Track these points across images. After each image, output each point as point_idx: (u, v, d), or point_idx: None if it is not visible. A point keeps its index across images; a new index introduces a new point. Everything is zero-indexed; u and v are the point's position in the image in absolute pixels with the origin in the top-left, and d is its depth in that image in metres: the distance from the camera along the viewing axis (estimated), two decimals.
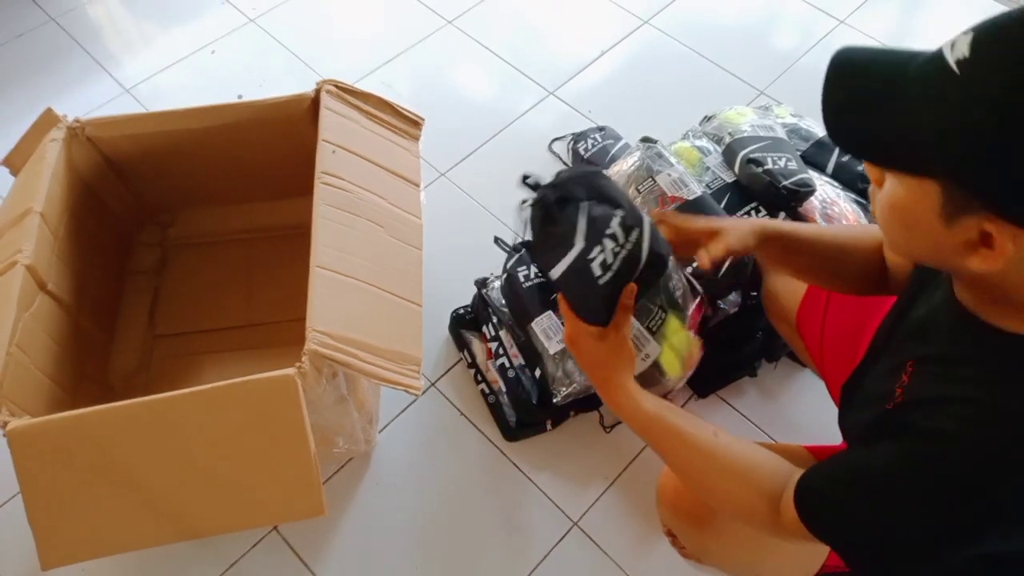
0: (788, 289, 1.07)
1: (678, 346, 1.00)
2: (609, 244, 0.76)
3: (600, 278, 0.76)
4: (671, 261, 0.86)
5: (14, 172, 1.20)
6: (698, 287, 1.05)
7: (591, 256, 0.75)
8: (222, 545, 1.21)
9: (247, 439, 0.88)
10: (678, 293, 0.98)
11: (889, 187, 0.62)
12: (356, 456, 1.29)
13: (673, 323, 1.00)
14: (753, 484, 0.75)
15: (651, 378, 1.12)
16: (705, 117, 1.44)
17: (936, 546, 0.65)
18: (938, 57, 0.55)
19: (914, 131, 0.56)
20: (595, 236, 0.75)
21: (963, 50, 0.53)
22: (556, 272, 0.77)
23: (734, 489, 0.76)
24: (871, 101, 0.60)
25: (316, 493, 0.89)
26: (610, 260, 0.76)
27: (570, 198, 0.78)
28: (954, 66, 0.54)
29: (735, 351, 1.31)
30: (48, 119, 1.18)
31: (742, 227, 0.87)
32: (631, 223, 0.78)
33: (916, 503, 0.63)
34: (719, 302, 1.20)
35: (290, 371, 0.88)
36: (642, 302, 0.83)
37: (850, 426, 0.79)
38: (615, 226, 0.76)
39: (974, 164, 0.54)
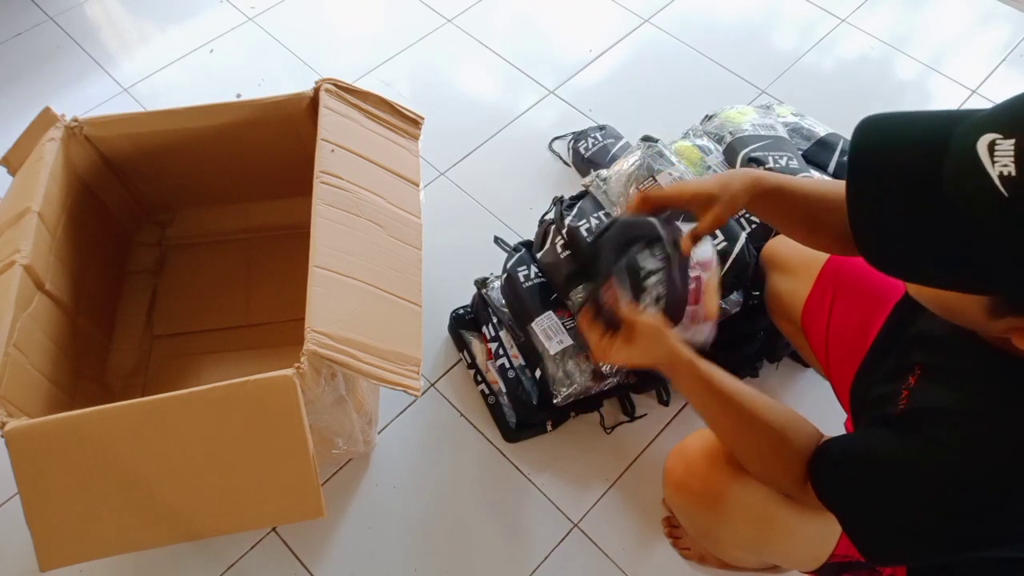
0: (792, 288, 1.07)
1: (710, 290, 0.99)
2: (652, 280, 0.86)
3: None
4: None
5: (12, 171, 1.19)
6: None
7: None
8: (220, 546, 1.21)
9: (245, 440, 0.88)
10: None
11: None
12: (355, 457, 1.29)
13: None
14: (789, 445, 0.77)
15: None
16: (706, 116, 1.44)
17: (924, 540, 0.66)
18: (975, 166, 0.50)
19: (960, 255, 0.52)
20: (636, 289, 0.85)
21: (1009, 165, 0.48)
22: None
23: (771, 448, 0.78)
24: (909, 223, 0.54)
25: (315, 494, 0.89)
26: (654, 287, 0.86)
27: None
28: (999, 185, 0.48)
29: (737, 351, 1.31)
30: (46, 118, 1.17)
31: (733, 186, 0.86)
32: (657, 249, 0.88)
33: (913, 501, 0.65)
34: (720, 302, 1.20)
35: (289, 372, 0.87)
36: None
37: (856, 426, 0.79)
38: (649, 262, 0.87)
39: (1019, 282, 0.52)
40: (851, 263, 1.02)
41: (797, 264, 1.07)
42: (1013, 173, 0.47)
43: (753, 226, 1.23)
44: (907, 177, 0.54)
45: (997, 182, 0.48)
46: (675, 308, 0.86)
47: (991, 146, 0.49)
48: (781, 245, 1.12)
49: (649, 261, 0.86)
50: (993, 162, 0.48)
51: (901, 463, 0.66)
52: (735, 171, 0.88)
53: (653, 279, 0.86)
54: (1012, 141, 0.48)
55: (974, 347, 0.65)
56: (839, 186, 0.87)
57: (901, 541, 0.68)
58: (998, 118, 0.50)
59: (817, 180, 0.93)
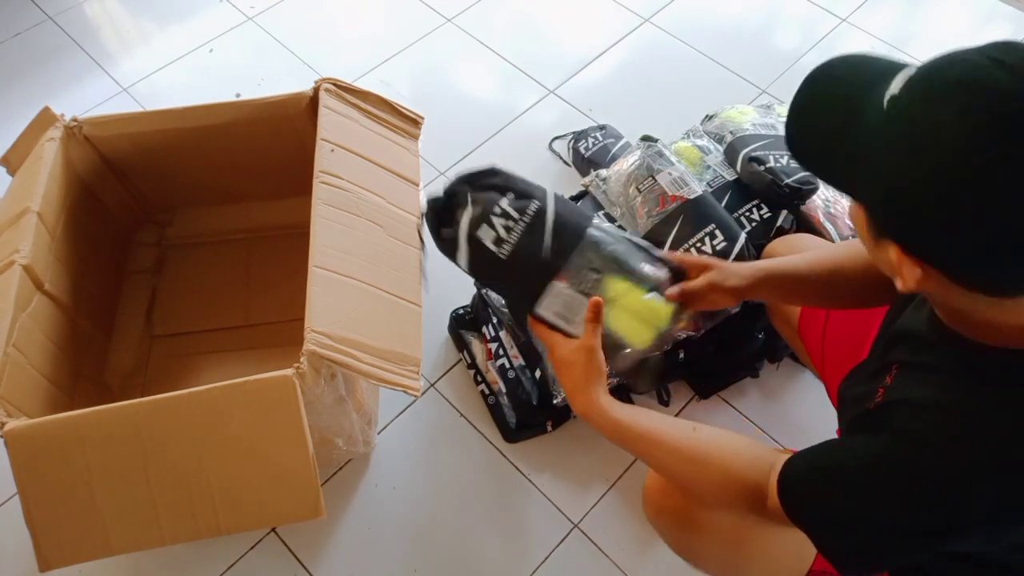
0: None
1: (640, 311, 0.91)
2: (499, 221, 0.82)
3: (499, 252, 0.82)
4: (636, 240, 0.91)
5: (11, 171, 1.19)
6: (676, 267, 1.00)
7: (479, 234, 0.82)
8: (220, 547, 1.21)
9: (245, 440, 0.88)
10: (635, 263, 0.92)
11: (854, 211, 0.65)
12: (355, 457, 1.29)
13: (617, 286, 0.91)
14: (734, 473, 0.77)
15: (610, 347, 0.99)
16: (706, 116, 1.44)
17: (898, 541, 0.66)
18: (884, 87, 0.56)
19: (846, 157, 0.59)
20: (480, 218, 0.82)
21: (897, 87, 0.55)
22: (464, 266, 0.84)
23: (716, 480, 0.78)
24: (822, 120, 0.62)
25: (314, 495, 0.89)
26: (504, 235, 0.83)
27: (454, 196, 0.86)
28: (884, 101, 0.55)
29: (737, 351, 1.31)
30: (45, 118, 1.17)
31: (739, 268, 0.90)
32: (524, 199, 0.84)
33: (881, 500, 0.65)
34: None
35: (288, 372, 0.87)
36: (573, 267, 0.87)
37: (843, 426, 0.79)
38: (505, 205, 0.84)
39: (879, 197, 0.58)
40: None
41: None
42: (896, 92, 0.55)
43: (753, 224, 1.23)
44: (840, 92, 0.61)
45: (885, 100, 0.55)
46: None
47: (901, 76, 0.56)
48: (781, 247, 1.12)
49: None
50: (891, 87, 0.56)
51: (867, 462, 0.66)
52: (744, 263, 0.92)
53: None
54: (912, 70, 0.56)
55: (947, 341, 0.66)
56: (844, 249, 0.91)
57: (874, 546, 0.67)
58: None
59: (817, 253, 0.94)
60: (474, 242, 0.82)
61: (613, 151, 1.56)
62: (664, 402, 1.34)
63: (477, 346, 1.36)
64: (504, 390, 1.29)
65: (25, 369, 0.99)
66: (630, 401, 1.33)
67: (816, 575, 0.87)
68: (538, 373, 1.24)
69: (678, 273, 0.95)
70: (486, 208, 0.84)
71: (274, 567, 1.20)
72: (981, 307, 0.60)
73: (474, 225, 0.83)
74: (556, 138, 1.70)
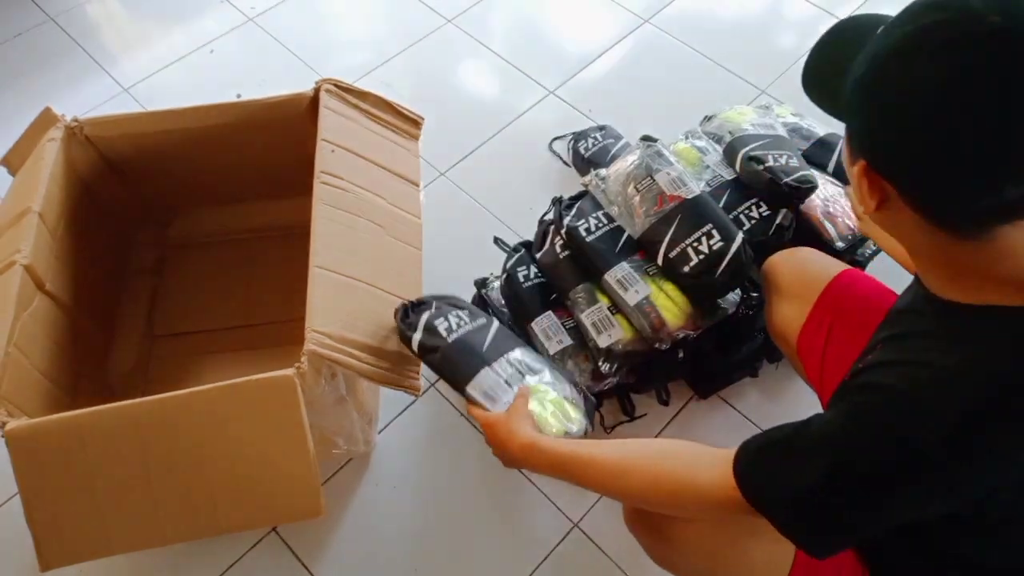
0: (789, 314, 1.04)
1: (554, 408, 1.04)
2: (453, 319, 1.03)
3: (447, 337, 1.01)
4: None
5: (12, 172, 1.20)
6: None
7: (435, 323, 1.02)
8: (220, 546, 1.21)
9: (246, 440, 0.88)
10: (554, 376, 1.08)
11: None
12: (355, 457, 1.29)
13: (536, 385, 1.06)
14: (665, 471, 0.77)
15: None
16: (705, 117, 1.44)
17: (857, 496, 0.65)
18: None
19: (834, 80, 0.65)
20: (438, 314, 1.03)
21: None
22: (415, 346, 1.00)
23: (650, 483, 0.78)
24: (835, 58, 0.67)
25: (315, 494, 0.89)
26: (455, 327, 1.02)
27: (424, 302, 1.05)
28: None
29: (736, 351, 1.31)
30: (46, 118, 1.17)
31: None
32: (477, 316, 1.07)
33: (842, 449, 0.64)
34: (718, 301, 1.20)
35: (289, 372, 0.87)
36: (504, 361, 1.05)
37: None
38: (461, 313, 1.05)
39: (851, 109, 0.63)
40: (852, 291, 1.00)
41: (795, 289, 1.05)
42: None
43: (753, 221, 1.23)
44: (854, 35, 0.66)
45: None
46: None
47: None
48: (781, 263, 1.09)
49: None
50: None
51: (825, 424, 0.66)
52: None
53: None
54: None
55: (929, 305, 0.67)
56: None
57: (831, 508, 0.66)
58: None
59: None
60: (429, 328, 1.01)
61: (613, 151, 1.56)
62: (664, 402, 1.34)
63: None
64: None
65: (26, 369, 0.99)
66: (630, 402, 1.33)
67: None
68: None
69: (588, 400, 1.07)
70: (445, 310, 1.05)
71: (275, 566, 1.20)
72: (952, 254, 0.63)
73: (432, 318, 1.03)
74: (556, 138, 1.70)
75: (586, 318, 1.20)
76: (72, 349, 1.13)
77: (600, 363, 1.19)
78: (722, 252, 1.15)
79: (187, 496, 0.89)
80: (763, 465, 0.70)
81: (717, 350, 1.28)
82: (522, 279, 1.28)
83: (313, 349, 0.89)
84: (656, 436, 1.32)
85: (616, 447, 0.83)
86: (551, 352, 1.21)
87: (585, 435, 1.03)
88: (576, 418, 1.02)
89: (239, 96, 1.30)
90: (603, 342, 1.17)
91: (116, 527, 0.88)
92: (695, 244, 1.16)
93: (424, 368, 1.04)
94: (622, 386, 1.30)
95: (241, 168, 1.32)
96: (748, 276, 1.19)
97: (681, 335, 1.17)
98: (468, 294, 1.42)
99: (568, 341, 1.22)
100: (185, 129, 1.22)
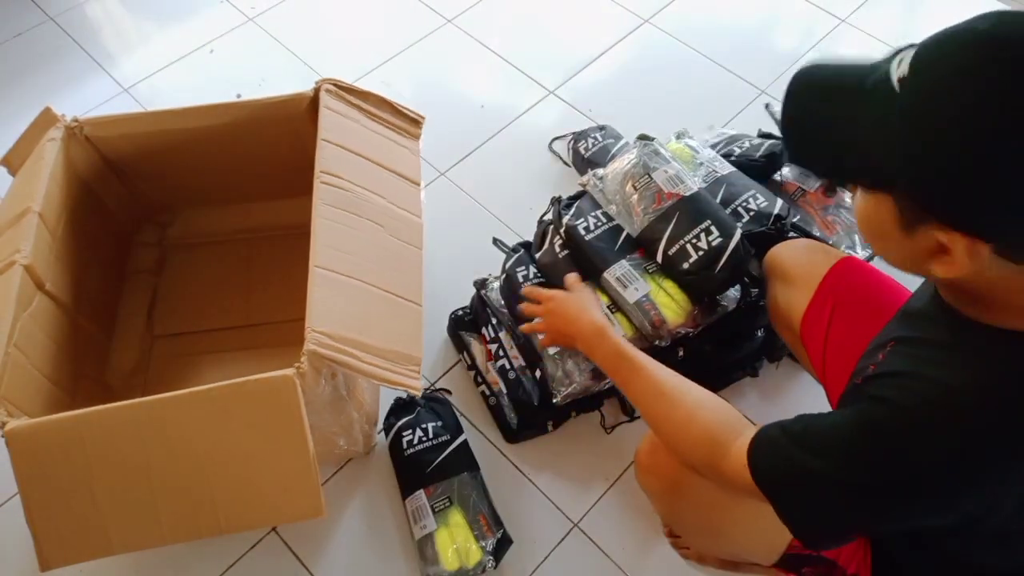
0: (791, 299, 1.06)
1: (460, 544, 1.14)
2: (419, 432, 1.24)
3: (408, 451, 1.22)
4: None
5: (12, 172, 1.20)
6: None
7: (403, 434, 1.21)
8: (220, 546, 1.21)
9: (246, 440, 0.88)
10: (476, 515, 1.19)
11: (857, 196, 0.65)
12: (355, 457, 1.29)
13: (456, 517, 1.17)
14: (699, 419, 0.80)
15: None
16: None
17: (856, 501, 0.66)
18: (885, 73, 0.57)
19: (862, 149, 0.59)
20: (410, 424, 1.23)
21: (904, 68, 0.56)
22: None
23: (681, 420, 0.82)
24: (823, 119, 0.63)
25: (315, 494, 0.89)
26: (418, 441, 1.24)
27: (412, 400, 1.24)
28: (896, 84, 0.56)
29: (736, 350, 1.30)
30: (46, 118, 1.17)
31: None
32: (446, 431, 1.26)
33: (844, 458, 0.65)
34: (718, 298, 1.20)
35: (289, 371, 0.87)
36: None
37: None
38: (428, 427, 1.25)
39: (919, 179, 0.56)
40: (853, 275, 1.02)
41: (797, 274, 1.07)
42: (906, 73, 0.56)
43: (751, 213, 1.23)
44: (831, 89, 0.63)
45: (895, 84, 0.56)
46: None
47: (900, 60, 0.57)
48: (783, 253, 1.11)
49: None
50: (897, 69, 0.57)
51: (838, 425, 0.67)
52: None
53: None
54: (912, 51, 0.57)
55: (944, 315, 0.67)
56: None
57: (831, 506, 0.67)
58: (914, 45, 0.58)
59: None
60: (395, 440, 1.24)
61: (613, 151, 1.56)
62: None
63: (477, 347, 1.36)
64: (505, 391, 1.29)
65: (26, 369, 0.99)
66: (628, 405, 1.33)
67: (797, 550, 0.88)
68: (538, 373, 1.24)
69: (503, 542, 1.16)
70: (416, 422, 1.24)
71: (275, 566, 1.20)
72: (991, 281, 0.60)
73: (403, 427, 1.23)
74: (556, 139, 1.70)
75: None
76: (72, 349, 1.13)
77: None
78: (721, 248, 1.15)
79: (187, 496, 0.89)
80: (774, 455, 0.71)
81: (717, 349, 1.28)
82: (521, 279, 1.28)
83: (313, 349, 0.89)
84: None
85: (672, 374, 0.86)
86: (551, 352, 1.21)
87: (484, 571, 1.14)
88: (473, 559, 1.13)
89: (239, 96, 1.30)
90: None
91: (116, 527, 0.88)
92: (694, 240, 1.16)
93: (424, 368, 1.04)
94: (617, 390, 1.30)
95: (241, 168, 1.31)
96: (747, 271, 1.19)
97: (681, 332, 1.18)
98: (467, 295, 1.42)
99: None
100: (185, 129, 1.22)
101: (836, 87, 0.62)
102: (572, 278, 0.96)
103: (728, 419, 0.79)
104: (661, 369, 0.87)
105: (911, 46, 0.58)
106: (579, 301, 0.97)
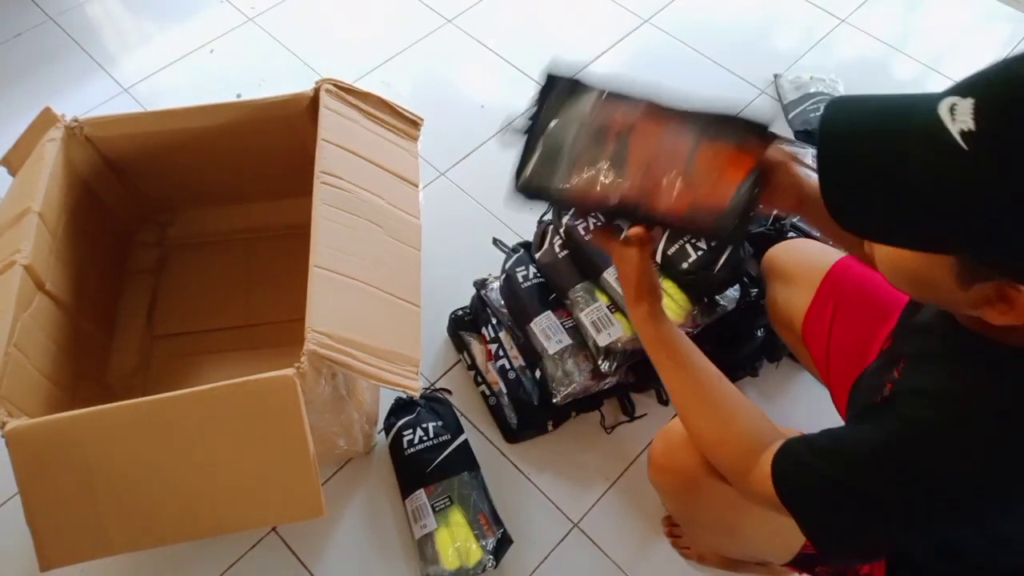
0: (792, 299, 1.06)
1: (461, 543, 1.14)
2: (419, 432, 1.25)
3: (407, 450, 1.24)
4: None
5: (12, 172, 1.20)
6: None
7: (403, 433, 1.23)
8: (221, 546, 1.21)
9: (246, 440, 0.88)
10: (475, 515, 1.19)
11: (895, 257, 0.60)
12: (355, 457, 1.29)
13: (456, 516, 1.17)
14: (735, 426, 0.78)
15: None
16: None
17: (887, 522, 0.66)
18: (938, 125, 0.53)
19: (926, 211, 0.54)
20: (410, 424, 1.25)
21: (967, 121, 0.51)
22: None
23: (716, 424, 0.80)
24: (873, 179, 0.57)
25: (315, 494, 0.89)
26: (418, 441, 1.24)
27: (412, 400, 1.28)
28: (960, 140, 0.51)
29: (736, 350, 1.31)
30: (46, 118, 1.17)
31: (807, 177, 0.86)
32: (446, 432, 1.27)
33: (877, 480, 0.64)
34: (717, 298, 1.20)
35: (289, 371, 0.87)
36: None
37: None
38: (429, 426, 1.26)
39: (996, 244, 0.53)
40: (853, 274, 1.01)
41: (798, 274, 1.06)
42: (972, 128, 0.51)
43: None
44: (874, 145, 0.57)
45: (958, 138, 0.51)
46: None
47: (951, 108, 0.52)
48: (782, 253, 1.11)
49: None
50: (953, 120, 0.52)
51: (868, 444, 0.65)
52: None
53: None
54: (970, 101, 0.51)
55: (957, 331, 0.65)
56: None
57: (861, 526, 0.67)
58: (957, 86, 0.54)
59: None
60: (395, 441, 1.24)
61: None
62: (664, 401, 1.34)
63: (477, 347, 1.36)
64: (505, 390, 1.30)
65: (26, 369, 0.99)
66: (630, 401, 1.34)
67: (811, 550, 0.88)
68: (538, 373, 1.24)
69: (503, 542, 1.16)
70: (416, 422, 1.24)
71: (275, 566, 1.20)
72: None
73: (404, 426, 1.23)
74: None
75: (585, 317, 1.20)
76: (72, 349, 1.13)
77: (600, 362, 1.19)
78: (720, 248, 1.15)
79: (187, 496, 0.89)
80: (798, 470, 0.70)
81: (717, 349, 1.28)
82: (521, 279, 1.28)
83: (313, 349, 0.89)
84: None
85: (715, 373, 0.82)
86: (551, 352, 1.21)
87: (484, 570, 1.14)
88: (474, 559, 1.12)
89: (239, 96, 1.30)
90: (603, 340, 1.17)
91: (116, 527, 0.88)
92: (693, 240, 1.16)
93: (423, 368, 1.04)
94: (622, 385, 1.30)
95: (241, 168, 1.31)
96: (747, 271, 1.19)
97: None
98: (467, 295, 1.42)
99: (567, 341, 1.22)
100: (185, 129, 1.22)
101: (881, 136, 0.57)
102: (635, 232, 0.84)
103: (763, 429, 0.78)
104: (705, 364, 0.83)
105: (959, 86, 0.53)
106: (626, 273, 0.85)
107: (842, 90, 1.75)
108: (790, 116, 1.72)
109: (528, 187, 0.82)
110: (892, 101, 0.58)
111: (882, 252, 0.62)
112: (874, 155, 0.57)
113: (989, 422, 0.60)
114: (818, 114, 1.63)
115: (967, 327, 0.65)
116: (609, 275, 1.20)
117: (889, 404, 0.67)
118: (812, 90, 1.71)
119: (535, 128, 0.83)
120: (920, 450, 0.62)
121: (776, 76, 1.81)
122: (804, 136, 1.65)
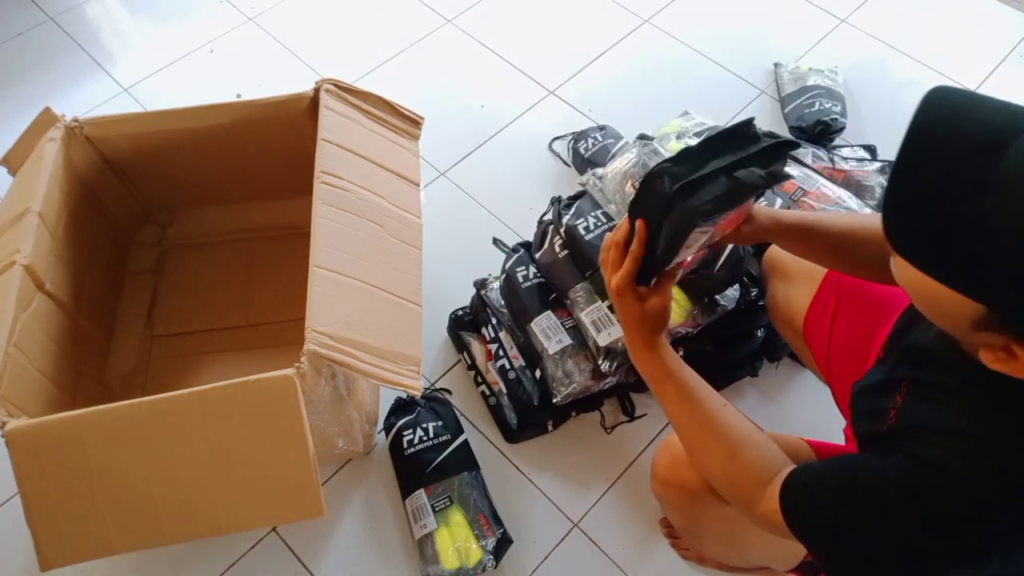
0: (793, 296, 1.06)
1: (461, 543, 1.14)
2: (419, 433, 1.24)
3: (407, 448, 1.21)
4: None
5: (12, 172, 1.20)
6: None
7: (403, 433, 1.21)
8: (221, 546, 1.21)
9: (246, 440, 0.88)
10: (476, 514, 1.18)
11: (918, 275, 0.56)
12: (355, 457, 1.29)
13: (456, 516, 1.17)
14: (741, 458, 0.77)
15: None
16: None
17: (907, 563, 0.66)
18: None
19: (982, 261, 0.51)
20: (410, 424, 1.22)
21: None
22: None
23: (722, 457, 0.78)
24: (945, 202, 0.52)
25: (315, 494, 0.89)
26: (418, 440, 1.23)
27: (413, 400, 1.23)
28: None
29: (735, 349, 1.31)
30: (46, 118, 1.17)
31: (761, 213, 0.88)
32: (446, 431, 1.26)
33: (896, 522, 0.64)
34: (717, 298, 1.20)
35: (289, 371, 0.87)
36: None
37: (854, 432, 0.79)
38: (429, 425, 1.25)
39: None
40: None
41: (799, 272, 1.06)
42: None
43: None
44: (963, 168, 0.52)
45: None
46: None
47: None
48: (782, 252, 1.11)
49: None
50: None
51: (882, 484, 0.65)
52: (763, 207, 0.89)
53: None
54: None
55: (959, 361, 0.64)
56: (867, 220, 0.87)
57: (880, 566, 0.67)
58: None
59: (844, 215, 0.93)
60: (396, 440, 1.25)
61: (613, 151, 1.56)
62: None
63: (477, 347, 1.36)
64: (505, 390, 1.30)
65: (26, 369, 0.99)
66: (630, 402, 1.33)
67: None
68: (538, 373, 1.24)
69: (503, 542, 1.16)
70: (416, 422, 1.24)
71: (275, 566, 1.20)
72: None
73: (404, 426, 1.24)
74: (556, 139, 1.71)
75: (586, 317, 1.20)
76: (72, 349, 1.13)
77: (600, 362, 1.19)
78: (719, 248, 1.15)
79: (187, 496, 0.89)
80: (813, 507, 0.70)
81: (717, 349, 1.29)
82: (521, 279, 1.28)
83: (313, 349, 0.89)
84: (656, 436, 1.32)
85: (719, 401, 0.80)
86: (551, 352, 1.21)
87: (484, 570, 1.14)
88: (473, 559, 1.12)
89: (239, 96, 1.30)
90: (603, 340, 1.17)
91: (116, 527, 0.88)
92: None
93: (424, 368, 1.04)
94: (622, 385, 1.30)
95: (241, 168, 1.31)
96: (747, 270, 1.19)
97: (681, 332, 1.17)
98: (467, 295, 1.42)
99: (568, 340, 1.22)
100: (185, 129, 1.22)
101: (975, 149, 0.51)
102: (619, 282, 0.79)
103: (768, 459, 0.77)
104: (705, 397, 0.80)
105: None
106: (623, 316, 0.82)
107: (841, 81, 1.75)
108: (786, 110, 1.72)
109: (685, 206, 0.73)
110: (1000, 115, 0.53)
111: (907, 273, 0.58)
112: (959, 178, 0.52)
113: (1001, 460, 0.60)
114: (812, 110, 1.63)
115: (970, 353, 0.64)
116: None
117: (898, 437, 0.67)
118: (810, 82, 1.71)
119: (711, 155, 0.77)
120: (936, 492, 0.62)
121: (776, 65, 1.82)
122: (798, 132, 1.65)
